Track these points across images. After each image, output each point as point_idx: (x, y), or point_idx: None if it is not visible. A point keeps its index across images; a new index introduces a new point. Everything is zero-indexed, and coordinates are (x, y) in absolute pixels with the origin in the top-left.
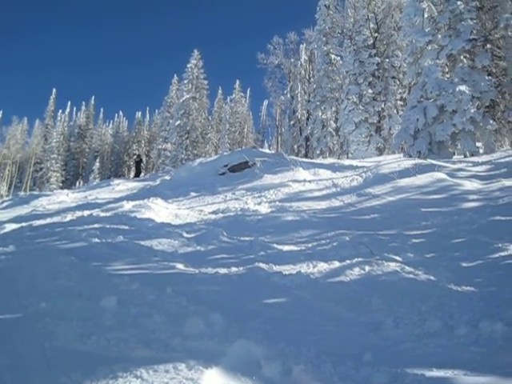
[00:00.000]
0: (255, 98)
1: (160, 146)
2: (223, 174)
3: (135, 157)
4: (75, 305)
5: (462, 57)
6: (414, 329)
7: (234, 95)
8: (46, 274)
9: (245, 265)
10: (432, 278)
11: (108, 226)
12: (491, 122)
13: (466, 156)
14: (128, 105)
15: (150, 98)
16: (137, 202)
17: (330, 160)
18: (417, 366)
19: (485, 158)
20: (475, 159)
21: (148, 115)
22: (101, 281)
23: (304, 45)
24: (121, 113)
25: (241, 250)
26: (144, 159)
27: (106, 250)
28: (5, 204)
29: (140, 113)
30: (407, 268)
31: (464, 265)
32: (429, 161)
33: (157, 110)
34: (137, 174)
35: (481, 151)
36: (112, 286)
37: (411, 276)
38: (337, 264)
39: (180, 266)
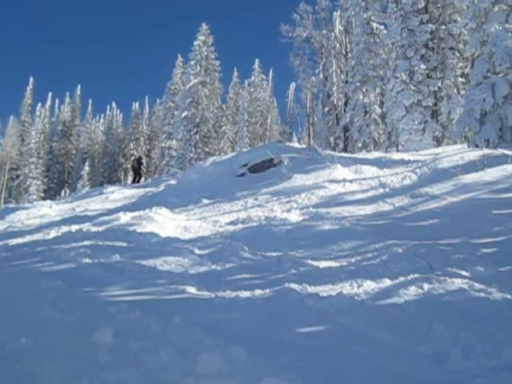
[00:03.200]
0: (279, 80)
1: (163, 144)
2: (242, 175)
3: (133, 158)
4: (63, 340)
5: None
6: (488, 360)
7: (253, 78)
8: (26, 304)
9: (272, 286)
10: (509, 296)
11: (101, 244)
12: None
13: None
14: (122, 94)
15: (150, 85)
16: (136, 214)
17: (375, 154)
18: None
19: None
20: None
21: (147, 106)
22: (94, 310)
23: (338, 12)
24: (114, 104)
25: (267, 268)
26: (144, 160)
27: (100, 272)
28: None
29: (137, 104)
30: (477, 285)
31: None
32: (500, 151)
33: (158, 100)
34: (135, 179)
35: None
36: (107, 316)
37: (482, 295)
38: (387, 282)
39: (191, 289)
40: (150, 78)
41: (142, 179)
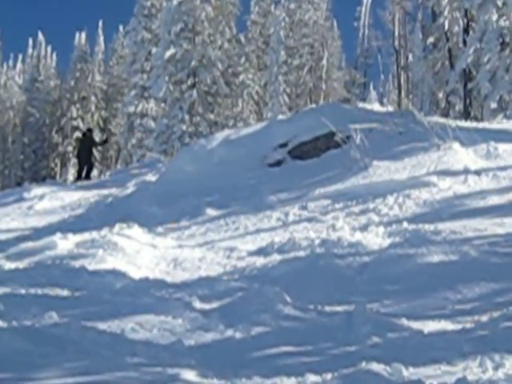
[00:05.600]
0: None
1: (132, 109)
2: (278, 163)
3: (76, 136)
4: None
5: None
6: None
7: None
8: None
9: (337, 367)
10: None
11: (23, 292)
12: None
13: None
14: (56, 17)
15: (106, 2)
16: (86, 236)
17: None
18: None
19: None
20: None
21: (102, 39)
22: None
23: None
24: (40, 36)
25: (327, 333)
26: (99, 137)
27: (22, 344)
28: None
29: (84, 35)
30: None
31: None
32: None
33: (121, 28)
34: (81, 173)
35: None
36: None
37: None
38: None
39: (190, 374)
40: None
41: (95, 172)
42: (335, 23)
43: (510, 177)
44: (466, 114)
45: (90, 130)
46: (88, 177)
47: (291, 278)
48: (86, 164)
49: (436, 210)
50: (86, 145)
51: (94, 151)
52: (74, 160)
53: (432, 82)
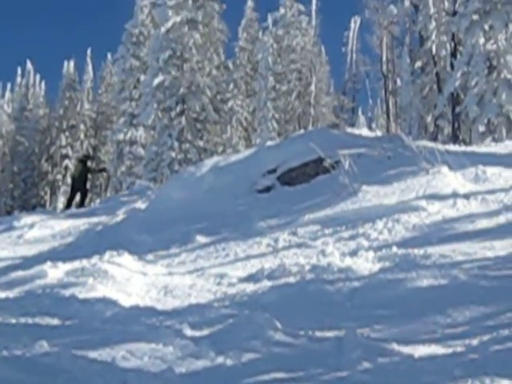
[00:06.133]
0: (330, 15)
1: (121, 136)
2: (268, 189)
3: (68, 161)
4: None
5: None
6: None
7: (281, 11)
8: None
9: None
10: None
11: (13, 321)
12: None
13: None
14: (44, 46)
15: (94, 28)
16: (76, 265)
17: (510, 145)
18: None
19: None
20: None
21: (91, 67)
22: None
23: None
24: (29, 65)
25: (317, 359)
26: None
27: (12, 374)
28: None
29: (73, 63)
30: None
31: None
32: None
33: (109, 55)
34: (71, 202)
35: None
36: None
37: None
38: None
39: None
40: (95, 16)
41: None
42: (323, 49)
43: (499, 200)
44: (454, 138)
45: (87, 157)
46: (82, 204)
47: (281, 304)
48: (79, 191)
49: (425, 234)
50: (82, 172)
51: (87, 179)
52: (63, 188)
53: (420, 106)
